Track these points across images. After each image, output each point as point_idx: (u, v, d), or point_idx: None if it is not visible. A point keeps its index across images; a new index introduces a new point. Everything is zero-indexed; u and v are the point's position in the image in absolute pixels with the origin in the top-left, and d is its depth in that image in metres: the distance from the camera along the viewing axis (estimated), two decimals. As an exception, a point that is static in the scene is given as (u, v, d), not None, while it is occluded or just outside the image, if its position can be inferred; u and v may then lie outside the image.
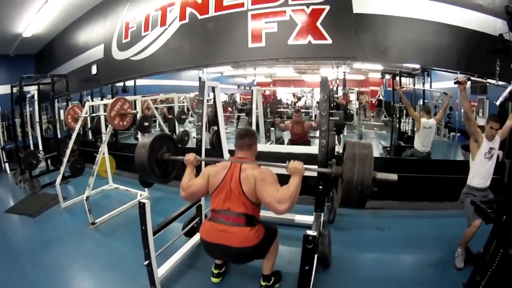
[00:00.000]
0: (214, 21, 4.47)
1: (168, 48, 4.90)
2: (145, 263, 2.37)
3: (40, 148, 6.92)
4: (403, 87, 5.54)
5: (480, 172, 2.88)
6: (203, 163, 2.82)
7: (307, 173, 2.00)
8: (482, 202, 2.55)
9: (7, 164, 6.79)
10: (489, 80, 3.61)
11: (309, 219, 3.34)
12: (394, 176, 1.77)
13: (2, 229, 3.92)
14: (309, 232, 1.88)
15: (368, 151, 1.75)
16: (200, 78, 5.11)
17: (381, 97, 12.86)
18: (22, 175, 5.49)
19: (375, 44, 3.91)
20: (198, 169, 2.50)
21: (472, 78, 3.76)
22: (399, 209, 4.04)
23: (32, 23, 6.17)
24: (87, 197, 3.81)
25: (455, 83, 2.80)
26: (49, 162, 6.47)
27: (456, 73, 4.97)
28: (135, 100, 5.40)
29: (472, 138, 2.90)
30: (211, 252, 2.22)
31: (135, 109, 5.26)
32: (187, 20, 4.68)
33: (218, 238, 2.05)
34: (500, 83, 4.20)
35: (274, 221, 2.92)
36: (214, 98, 3.28)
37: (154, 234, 2.40)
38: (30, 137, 7.19)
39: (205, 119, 3.05)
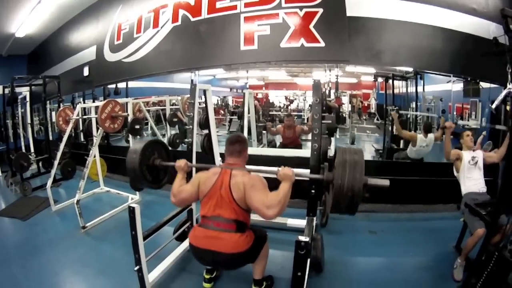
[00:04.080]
0: (206, 23, 4.46)
1: (160, 50, 4.88)
2: (136, 268, 2.33)
3: (32, 150, 6.86)
4: (397, 110, 5.50)
5: (471, 177, 2.91)
6: (194, 169, 2.81)
7: (299, 177, 2.00)
8: (476, 205, 2.62)
9: (-3, 167, 6.68)
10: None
11: (301, 223, 3.33)
12: (386, 182, 1.75)
13: (-7, 232, 3.87)
14: (301, 238, 1.85)
15: (359, 157, 1.75)
16: (192, 80, 5.06)
17: (373, 100, 12.89)
18: (13, 177, 5.42)
19: (368, 48, 3.91)
20: (189, 174, 2.49)
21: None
22: (392, 212, 4.03)
23: (25, 23, 6.12)
24: (78, 201, 3.75)
25: (441, 128, 3.03)
26: (40, 164, 6.41)
27: (450, 76, 5.05)
28: (126, 103, 5.35)
29: (455, 161, 3.04)
30: (200, 258, 2.19)
31: (127, 111, 5.20)
32: (179, 22, 4.66)
33: (208, 244, 2.04)
34: (492, 86, 4.32)
35: (265, 225, 2.89)
36: (206, 101, 3.25)
37: (144, 239, 2.37)
38: (22, 139, 7.11)
39: (196, 122, 3.02)
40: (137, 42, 5.12)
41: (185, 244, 3.00)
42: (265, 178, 2.12)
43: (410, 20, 3.82)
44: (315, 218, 2.66)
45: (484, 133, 4.15)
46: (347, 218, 3.68)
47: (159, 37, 4.87)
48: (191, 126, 2.94)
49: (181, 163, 2.34)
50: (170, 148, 2.61)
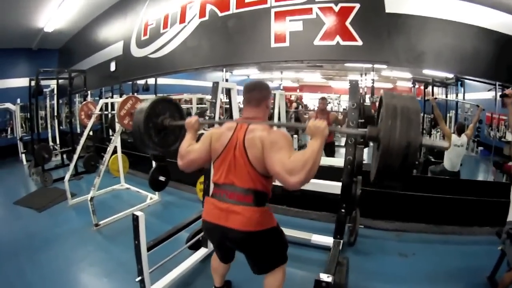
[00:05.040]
0: (235, 19, 4.23)
1: (187, 46, 4.71)
2: (137, 279, 2.14)
3: (57, 142, 7.01)
4: (435, 98, 5.12)
5: None
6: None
7: (327, 189, 1.69)
8: None
9: (23, 155, 6.89)
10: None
11: (327, 240, 3.03)
12: (445, 143, 1.42)
13: (8, 221, 3.94)
14: (323, 277, 1.54)
15: (413, 104, 1.31)
16: (227, 79, 4.84)
17: None
18: (36, 167, 5.49)
19: (410, 48, 3.55)
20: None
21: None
22: (425, 232, 3.70)
23: (53, 18, 6.25)
24: (92, 198, 3.68)
25: (501, 96, 2.56)
26: (65, 156, 6.51)
27: (494, 84, 4.60)
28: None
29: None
30: (211, 237, 1.91)
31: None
32: (207, 17, 4.47)
33: (218, 218, 1.69)
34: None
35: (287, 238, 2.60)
36: (230, 101, 3.00)
37: (149, 249, 2.17)
38: (49, 131, 7.29)
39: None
40: (163, 37, 5.00)
41: (199, 254, 2.81)
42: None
43: (454, 19, 3.49)
44: (341, 242, 2.31)
45: None
46: (377, 237, 3.50)
47: (186, 33, 4.70)
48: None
49: (191, 119, 1.98)
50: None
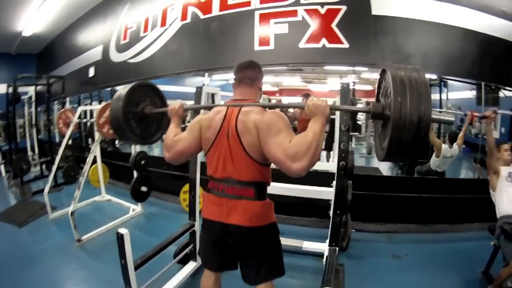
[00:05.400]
0: (217, 21, 4.14)
1: (167, 50, 4.59)
2: None
3: (36, 151, 6.73)
4: None
5: (509, 197, 2.57)
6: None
7: (314, 195, 1.57)
8: None
9: (2, 166, 6.57)
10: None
11: (319, 246, 2.98)
12: (451, 117, 1.36)
13: (-12, 238, 3.73)
14: None
15: (420, 75, 1.23)
16: (204, 84, 4.74)
17: None
18: (14, 179, 5.26)
19: (396, 50, 3.58)
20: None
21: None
22: (415, 232, 3.73)
23: (32, 21, 6.04)
24: (72, 212, 3.48)
25: (480, 118, 2.74)
26: (44, 166, 6.26)
27: (476, 83, 4.67)
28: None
29: (491, 171, 2.75)
30: (209, 231, 1.66)
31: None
32: (188, 20, 4.36)
33: (218, 215, 1.54)
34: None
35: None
36: (214, 107, 2.88)
37: (136, 268, 2.02)
38: (28, 140, 6.98)
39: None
40: (143, 41, 4.86)
41: (187, 268, 2.70)
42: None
43: (440, 21, 3.57)
44: (337, 249, 2.23)
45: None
46: (368, 240, 3.49)
47: (167, 36, 4.58)
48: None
49: (174, 105, 1.78)
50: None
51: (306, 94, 5.14)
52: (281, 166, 1.33)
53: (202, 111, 2.08)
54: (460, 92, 6.20)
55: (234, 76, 1.67)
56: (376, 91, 1.55)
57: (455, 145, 4.30)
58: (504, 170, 2.67)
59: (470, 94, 5.80)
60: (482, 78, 3.95)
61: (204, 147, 1.61)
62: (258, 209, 1.51)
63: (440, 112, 4.38)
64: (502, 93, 4.58)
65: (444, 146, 4.28)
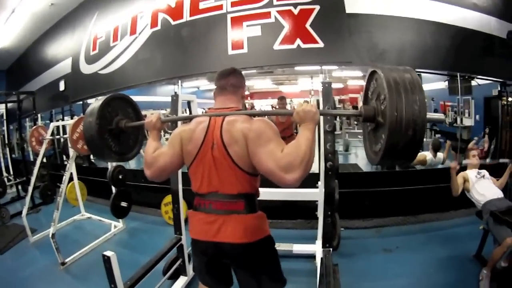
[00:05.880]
0: (189, 27, 4.03)
1: (138, 59, 4.44)
2: None
3: (11, 172, 6.46)
4: None
5: (483, 187, 2.82)
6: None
7: (303, 197, 1.51)
8: (501, 213, 2.49)
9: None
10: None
11: (309, 248, 2.99)
12: (441, 116, 1.37)
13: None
14: None
15: (413, 76, 1.20)
16: (175, 93, 4.63)
17: (359, 104, 12.82)
18: None
19: (371, 47, 3.59)
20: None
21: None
22: (403, 224, 3.80)
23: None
24: (53, 234, 3.34)
25: (448, 168, 2.94)
26: (20, 187, 6.00)
27: (452, 75, 4.78)
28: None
29: (462, 186, 2.94)
30: (202, 253, 1.53)
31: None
32: (159, 27, 4.23)
33: (209, 234, 1.42)
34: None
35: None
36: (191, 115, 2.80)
37: (127, 291, 1.93)
38: (1, 160, 6.68)
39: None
40: (113, 51, 4.68)
41: (179, 284, 2.65)
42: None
43: (413, 16, 3.64)
44: (331, 250, 2.20)
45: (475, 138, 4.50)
46: (358, 237, 3.51)
47: (137, 45, 4.43)
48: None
49: (151, 118, 1.67)
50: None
51: (282, 97, 5.08)
52: (273, 177, 1.26)
53: (180, 122, 2.01)
54: (433, 83, 6.35)
55: (216, 84, 1.58)
56: (363, 93, 1.51)
57: (439, 154, 4.38)
58: (471, 174, 2.92)
59: (443, 85, 5.94)
60: (456, 69, 4.02)
61: (186, 161, 1.50)
62: (251, 222, 1.41)
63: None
64: (475, 82, 4.71)
65: (429, 158, 4.32)
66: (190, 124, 1.51)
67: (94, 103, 1.78)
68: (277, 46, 3.60)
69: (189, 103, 2.88)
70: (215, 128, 1.41)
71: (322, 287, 1.98)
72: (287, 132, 4.53)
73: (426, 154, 4.29)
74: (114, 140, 1.82)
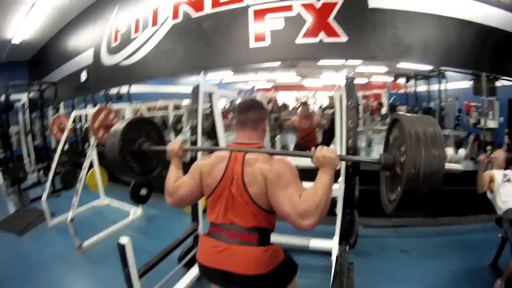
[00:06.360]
0: (210, 19, 4.03)
1: (160, 50, 4.47)
2: None
3: (32, 158, 6.67)
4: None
5: (506, 193, 2.69)
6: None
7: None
8: None
9: (0, 174, 6.46)
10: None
11: (327, 244, 2.95)
12: (459, 167, 1.32)
13: (-12, 248, 3.70)
14: None
15: (436, 130, 1.19)
16: (197, 85, 4.67)
17: (383, 100, 12.63)
18: (12, 187, 5.25)
19: (397, 42, 3.50)
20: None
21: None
22: (422, 225, 3.72)
23: (21, 28, 5.96)
24: (72, 219, 3.44)
25: (476, 161, 2.87)
26: (41, 173, 6.22)
27: (474, 74, 4.66)
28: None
29: (487, 186, 2.85)
30: (209, 278, 1.61)
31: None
32: (180, 19, 4.24)
33: (219, 261, 1.44)
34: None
35: (283, 245, 2.46)
36: (212, 106, 2.82)
37: (140, 276, 1.97)
38: (24, 147, 6.92)
39: (200, 131, 2.60)
40: (135, 43, 4.74)
41: (193, 272, 2.64)
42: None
43: (438, 12, 3.53)
44: (347, 248, 2.18)
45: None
46: (375, 236, 3.49)
47: (159, 36, 4.46)
48: (194, 136, 2.51)
49: (174, 145, 1.72)
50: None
51: (304, 103, 5.18)
52: (289, 221, 1.30)
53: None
54: (458, 82, 6.20)
55: (236, 118, 1.60)
56: (385, 139, 1.51)
57: (461, 150, 4.35)
58: (498, 174, 2.81)
59: (468, 84, 5.79)
60: (480, 68, 3.92)
61: (205, 193, 1.55)
62: (262, 255, 1.42)
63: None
64: (500, 83, 4.57)
65: (450, 153, 4.31)
66: (211, 158, 1.55)
67: (118, 124, 1.85)
68: (299, 39, 3.56)
69: (210, 95, 2.88)
70: (236, 165, 1.44)
71: (335, 286, 1.97)
72: (311, 143, 4.58)
73: (447, 150, 4.25)
74: (136, 161, 1.87)
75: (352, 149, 1.96)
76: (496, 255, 2.77)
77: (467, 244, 3.29)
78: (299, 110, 5.07)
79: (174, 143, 1.74)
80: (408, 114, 1.29)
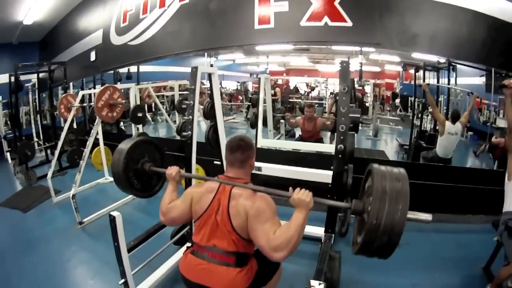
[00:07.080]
0: (216, 1, 4.00)
1: (167, 31, 4.46)
2: (120, 282, 2.05)
3: (41, 137, 6.80)
4: (427, 83, 5.04)
5: None
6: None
7: (314, 178, 1.54)
8: None
9: (8, 154, 6.64)
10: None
11: (318, 231, 2.91)
12: (427, 217, 1.35)
13: (-7, 224, 3.84)
14: (314, 284, 1.52)
15: (403, 185, 1.29)
16: (212, 65, 4.64)
17: (396, 91, 12.41)
18: (20, 165, 5.33)
19: (403, 30, 3.39)
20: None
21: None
22: None
23: (32, 9, 5.96)
24: (74, 195, 3.57)
25: (500, 86, 2.44)
26: (49, 151, 6.36)
27: (485, 69, 4.51)
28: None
29: (510, 153, 2.38)
30: None
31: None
32: (187, 0, 4.22)
33: (200, 277, 1.62)
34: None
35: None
36: (211, 87, 2.81)
37: (129, 251, 2.06)
38: (33, 126, 7.10)
39: (196, 111, 2.60)
40: (143, 23, 4.73)
41: (184, 249, 2.66)
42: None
43: (449, 2, 3.36)
44: (333, 236, 2.18)
45: None
46: None
47: (166, 17, 4.44)
48: (190, 117, 2.52)
49: (172, 171, 1.93)
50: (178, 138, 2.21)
51: (310, 105, 5.22)
52: (264, 252, 1.48)
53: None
54: (470, 78, 6.06)
55: (226, 156, 1.78)
56: (361, 186, 1.61)
57: (458, 122, 4.35)
58: None
59: (480, 80, 5.65)
60: (491, 63, 3.83)
61: (193, 217, 1.73)
62: (235, 276, 1.58)
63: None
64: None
65: (448, 123, 4.32)
66: (202, 188, 1.74)
67: (125, 142, 1.99)
68: (304, 22, 3.50)
69: (210, 75, 2.88)
70: (223, 197, 1.64)
71: (318, 274, 2.02)
72: (314, 137, 4.89)
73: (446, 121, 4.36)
74: (137, 179, 2.03)
75: (343, 134, 1.94)
76: (490, 259, 2.70)
77: (462, 244, 3.25)
78: (310, 95, 5.06)
79: (172, 168, 1.94)
80: (382, 167, 1.39)
